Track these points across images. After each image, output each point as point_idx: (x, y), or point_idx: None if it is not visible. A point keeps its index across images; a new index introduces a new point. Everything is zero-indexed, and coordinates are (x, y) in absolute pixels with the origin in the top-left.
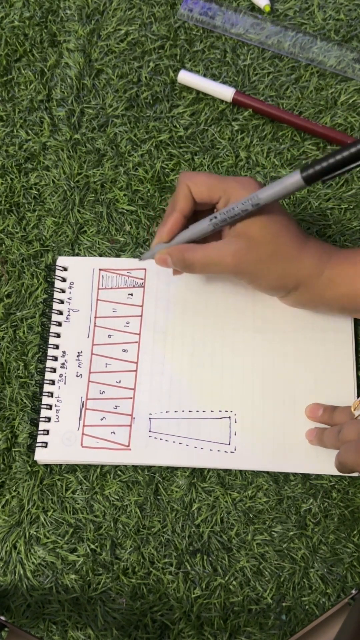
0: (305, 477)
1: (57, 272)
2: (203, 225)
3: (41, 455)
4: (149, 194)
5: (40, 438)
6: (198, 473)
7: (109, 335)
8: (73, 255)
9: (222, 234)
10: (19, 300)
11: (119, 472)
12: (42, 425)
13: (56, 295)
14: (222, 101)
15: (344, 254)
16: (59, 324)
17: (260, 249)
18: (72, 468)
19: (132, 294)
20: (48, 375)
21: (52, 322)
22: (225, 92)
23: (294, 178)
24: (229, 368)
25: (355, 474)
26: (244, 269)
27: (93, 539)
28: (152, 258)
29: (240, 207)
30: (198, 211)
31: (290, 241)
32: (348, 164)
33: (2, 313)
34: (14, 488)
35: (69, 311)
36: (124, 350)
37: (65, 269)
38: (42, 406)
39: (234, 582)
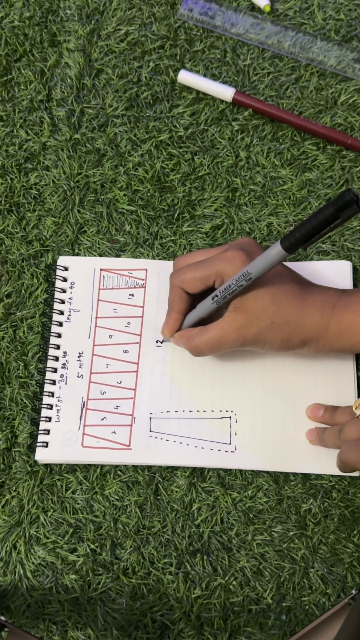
0: (306, 477)
1: (58, 272)
2: (207, 305)
3: (42, 455)
4: (149, 194)
5: (40, 438)
6: (198, 473)
7: (110, 336)
8: (73, 255)
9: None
10: (19, 300)
11: (119, 472)
12: (43, 425)
13: (57, 295)
14: (222, 101)
15: (347, 300)
16: (60, 324)
17: (260, 320)
18: (72, 468)
19: (133, 295)
20: (49, 375)
21: (53, 322)
22: (225, 92)
23: (275, 249)
24: (229, 368)
25: (355, 474)
26: (249, 342)
27: (93, 539)
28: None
29: (235, 284)
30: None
31: (288, 302)
32: (322, 229)
33: (2, 313)
34: (14, 488)
35: (69, 311)
36: (125, 351)
37: (66, 269)
38: (43, 406)
39: (234, 582)
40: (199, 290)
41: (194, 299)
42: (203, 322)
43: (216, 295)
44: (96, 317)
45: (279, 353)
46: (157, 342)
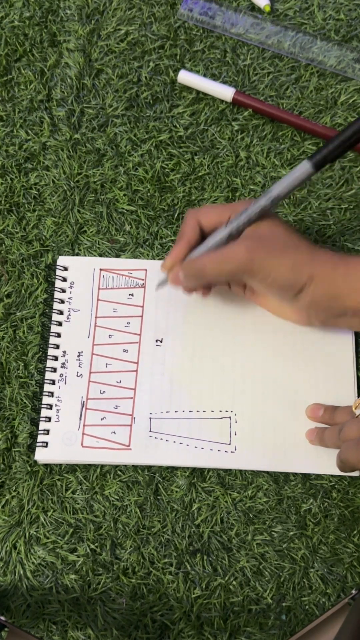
0: (305, 477)
1: (58, 272)
2: (220, 233)
3: (41, 455)
4: (149, 194)
5: (40, 438)
6: (198, 473)
7: (110, 335)
8: (73, 255)
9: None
10: (19, 300)
11: (119, 472)
12: (43, 425)
13: (57, 295)
14: (222, 101)
15: (356, 257)
16: (60, 324)
17: (273, 242)
18: (72, 468)
19: (132, 294)
20: (48, 375)
21: (52, 322)
22: (225, 92)
23: (303, 167)
24: (229, 368)
25: (355, 474)
26: (257, 262)
27: (93, 539)
28: (166, 283)
29: (256, 206)
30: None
31: (300, 238)
32: (353, 144)
33: (2, 313)
34: (14, 488)
35: (69, 311)
36: (125, 351)
37: (66, 269)
38: (43, 406)
39: (234, 582)
40: (213, 225)
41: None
42: None
43: (231, 221)
44: (96, 317)
45: (282, 292)
46: (155, 341)
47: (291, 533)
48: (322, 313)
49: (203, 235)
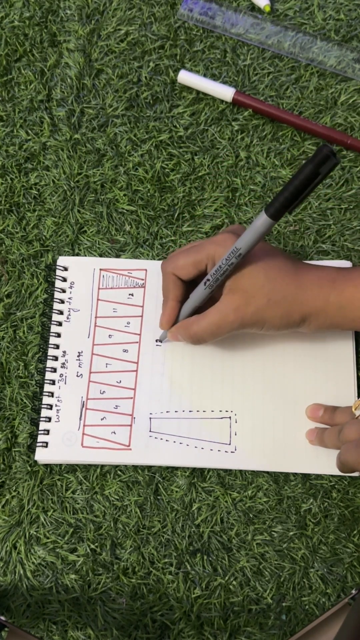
0: (305, 477)
1: (58, 272)
2: (200, 291)
3: (42, 455)
4: (149, 194)
5: (40, 438)
6: (198, 473)
7: (110, 335)
8: (73, 255)
9: (218, 293)
10: (19, 300)
11: (119, 472)
12: (43, 425)
13: (57, 295)
14: (222, 101)
15: (346, 276)
16: (60, 324)
17: (256, 298)
18: (72, 468)
19: (132, 294)
20: (48, 375)
21: (52, 322)
22: (225, 92)
23: (261, 219)
24: (229, 368)
25: (355, 474)
26: (248, 321)
27: (93, 539)
28: (167, 338)
29: (225, 263)
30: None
31: (283, 279)
32: (304, 189)
33: (2, 313)
34: (14, 488)
35: (69, 311)
36: (125, 350)
37: (65, 269)
38: (43, 406)
39: (234, 582)
40: (192, 276)
41: (188, 289)
42: (198, 311)
43: (208, 279)
44: (96, 317)
45: (280, 333)
46: (156, 341)
47: (291, 533)
48: (320, 332)
49: (185, 285)
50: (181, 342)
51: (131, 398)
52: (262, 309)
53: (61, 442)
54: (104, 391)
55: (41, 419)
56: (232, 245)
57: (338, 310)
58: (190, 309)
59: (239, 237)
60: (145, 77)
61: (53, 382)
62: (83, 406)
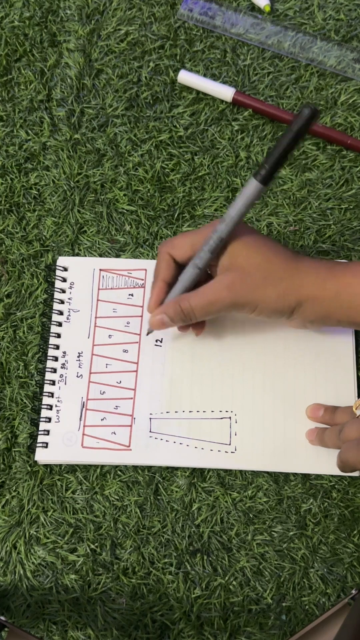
0: (305, 477)
1: (58, 272)
2: (189, 272)
3: (42, 456)
4: (149, 194)
5: (40, 438)
6: (198, 473)
7: (110, 336)
8: (73, 255)
9: (213, 275)
10: (19, 300)
11: (119, 472)
12: (43, 426)
13: (56, 295)
14: (222, 101)
15: (345, 266)
16: (60, 324)
17: (253, 276)
18: (72, 468)
19: (132, 294)
20: (48, 376)
21: (52, 322)
22: (225, 92)
23: (251, 185)
24: (229, 368)
25: (355, 474)
26: (241, 299)
27: (93, 539)
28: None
29: (215, 235)
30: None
31: (281, 262)
32: (290, 150)
33: (2, 313)
34: (14, 488)
35: (69, 311)
36: (125, 351)
37: (65, 269)
38: (43, 406)
39: (234, 582)
40: (187, 257)
41: (180, 274)
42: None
43: (197, 258)
44: (96, 317)
45: (273, 317)
46: (155, 341)
47: (291, 533)
48: (316, 325)
49: (179, 268)
50: (168, 328)
51: (131, 398)
52: (258, 287)
53: (61, 443)
54: (104, 391)
55: (41, 419)
56: (219, 221)
57: (334, 298)
58: (178, 292)
59: (230, 206)
60: (145, 77)
61: (53, 383)
62: (83, 406)
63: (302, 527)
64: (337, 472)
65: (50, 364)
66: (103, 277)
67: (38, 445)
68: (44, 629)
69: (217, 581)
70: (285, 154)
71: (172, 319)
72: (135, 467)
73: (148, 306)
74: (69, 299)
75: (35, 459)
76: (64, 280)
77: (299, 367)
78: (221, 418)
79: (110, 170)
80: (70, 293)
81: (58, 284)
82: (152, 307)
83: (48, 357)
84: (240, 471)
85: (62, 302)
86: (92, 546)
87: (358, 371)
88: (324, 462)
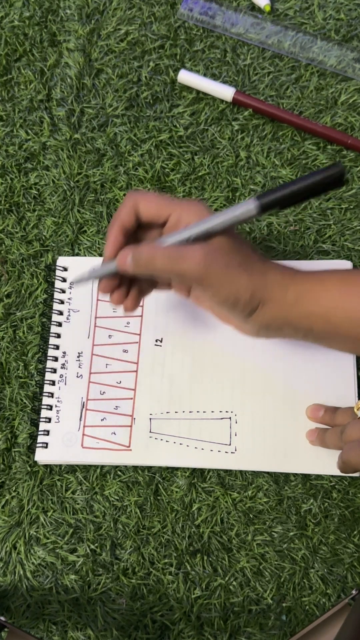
0: (306, 477)
1: (58, 272)
2: (180, 235)
3: (42, 456)
4: None
5: (40, 438)
6: (198, 473)
7: (110, 336)
8: (73, 255)
9: None
10: (19, 300)
11: (119, 473)
12: (43, 426)
13: (56, 295)
14: (222, 101)
15: (310, 273)
16: (59, 324)
17: (230, 256)
18: (72, 468)
19: None
20: (48, 376)
21: (52, 322)
22: (225, 92)
23: (249, 204)
24: (229, 368)
25: (356, 474)
26: (211, 275)
27: (93, 539)
28: (86, 279)
29: (192, 232)
30: (142, 232)
31: (255, 255)
32: (305, 197)
33: (2, 313)
34: (14, 488)
35: (69, 311)
36: (125, 351)
37: (65, 269)
38: (43, 406)
39: (234, 583)
40: (149, 218)
41: (134, 237)
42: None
43: (190, 228)
44: (95, 317)
45: (231, 309)
46: (155, 341)
47: (291, 533)
48: (272, 333)
49: (139, 224)
50: (125, 269)
51: (131, 399)
52: (231, 267)
53: (61, 443)
54: (104, 392)
55: (41, 419)
56: (198, 216)
57: (294, 303)
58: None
59: (214, 215)
60: (145, 77)
61: (53, 383)
62: (83, 407)
63: (303, 527)
64: (337, 472)
65: (50, 364)
66: None
67: (38, 445)
68: (44, 630)
69: (217, 581)
70: (297, 197)
71: (135, 261)
72: (135, 468)
73: (105, 250)
74: (69, 299)
75: (35, 459)
76: (64, 280)
77: (299, 367)
78: (221, 418)
79: (110, 170)
80: (70, 293)
81: (58, 284)
82: (108, 253)
83: (48, 357)
84: (241, 471)
85: (62, 302)
86: (92, 546)
87: (358, 371)
88: (324, 463)
